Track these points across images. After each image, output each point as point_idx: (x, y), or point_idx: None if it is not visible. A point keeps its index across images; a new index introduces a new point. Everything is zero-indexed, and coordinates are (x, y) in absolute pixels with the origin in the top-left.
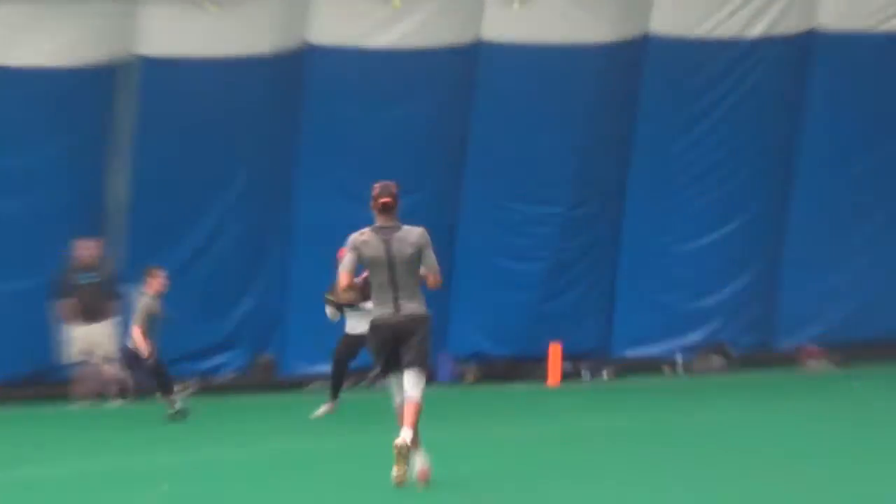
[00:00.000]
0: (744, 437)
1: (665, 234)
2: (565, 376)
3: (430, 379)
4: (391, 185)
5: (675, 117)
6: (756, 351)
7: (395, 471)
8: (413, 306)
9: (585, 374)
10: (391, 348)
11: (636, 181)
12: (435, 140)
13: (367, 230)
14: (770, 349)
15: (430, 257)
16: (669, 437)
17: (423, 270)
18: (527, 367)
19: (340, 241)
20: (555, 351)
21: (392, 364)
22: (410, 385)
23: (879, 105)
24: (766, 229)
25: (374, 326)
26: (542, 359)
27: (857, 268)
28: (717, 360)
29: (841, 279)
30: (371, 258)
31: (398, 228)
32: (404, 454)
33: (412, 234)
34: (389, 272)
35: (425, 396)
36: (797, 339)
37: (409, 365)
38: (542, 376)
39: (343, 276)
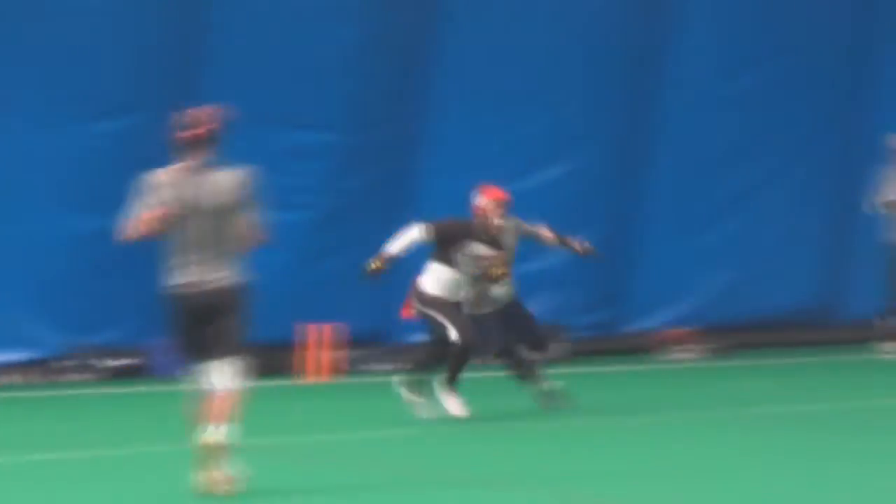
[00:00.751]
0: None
1: (482, 169)
2: (338, 369)
3: (151, 374)
4: (207, 113)
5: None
6: (597, 336)
7: (201, 476)
8: (222, 274)
9: (364, 366)
10: (195, 328)
11: (443, 96)
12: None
13: (171, 168)
14: (615, 333)
15: (252, 208)
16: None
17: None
18: (282, 357)
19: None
20: (317, 336)
21: (197, 349)
22: (221, 380)
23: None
24: (612, 169)
25: (174, 299)
26: (302, 347)
27: (736, 228)
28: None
29: (714, 241)
30: (171, 205)
31: (213, 169)
32: (215, 454)
33: (229, 177)
34: (193, 225)
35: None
36: (655, 320)
37: (218, 354)
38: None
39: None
